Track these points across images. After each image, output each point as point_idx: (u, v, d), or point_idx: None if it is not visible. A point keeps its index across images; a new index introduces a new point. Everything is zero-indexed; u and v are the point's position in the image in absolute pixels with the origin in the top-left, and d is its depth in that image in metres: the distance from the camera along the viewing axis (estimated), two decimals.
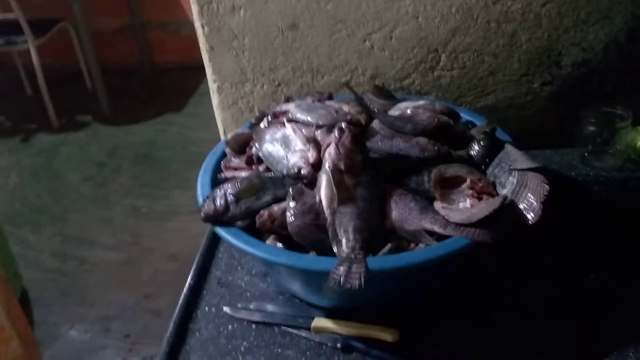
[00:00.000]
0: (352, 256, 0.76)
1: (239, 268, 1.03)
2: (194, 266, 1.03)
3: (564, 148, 1.22)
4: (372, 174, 0.85)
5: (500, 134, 0.98)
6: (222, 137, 1.35)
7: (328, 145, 0.85)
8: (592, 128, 1.15)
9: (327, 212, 0.81)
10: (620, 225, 1.05)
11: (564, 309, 0.89)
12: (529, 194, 0.82)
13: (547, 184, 0.83)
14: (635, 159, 1.17)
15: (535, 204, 0.81)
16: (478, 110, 1.22)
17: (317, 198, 0.83)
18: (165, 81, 4.05)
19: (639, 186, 1.12)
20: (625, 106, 1.13)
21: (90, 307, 2.27)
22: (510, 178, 0.87)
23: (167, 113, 3.64)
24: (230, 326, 0.92)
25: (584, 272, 0.95)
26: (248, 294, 0.98)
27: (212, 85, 1.28)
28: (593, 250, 0.99)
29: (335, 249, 0.78)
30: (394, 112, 1.02)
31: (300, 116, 0.96)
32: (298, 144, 0.90)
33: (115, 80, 3.85)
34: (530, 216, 0.80)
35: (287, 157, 0.89)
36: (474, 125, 1.03)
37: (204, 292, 0.99)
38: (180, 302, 0.96)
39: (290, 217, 0.82)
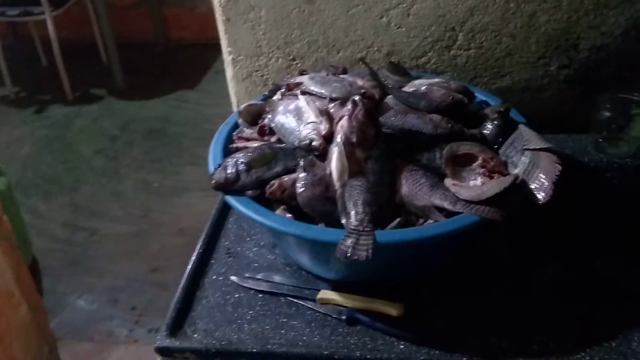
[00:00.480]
0: (361, 229, 0.76)
1: (248, 239, 1.04)
2: (202, 235, 1.03)
3: (578, 133, 1.21)
4: (383, 148, 0.85)
5: (514, 115, 0.98)
6: (235, 109, 1.35)
7: (341, 118, 0.85)
8: (607, 114, 1.14)
9: (337, 184, 0.81)
10: (632, 212, 1.04)
11: (568, 293, 0.89)
12: (541, 174, 0.82)
13: (559, 164, 0.82)
14: None
15: (546, 183, 0.81)
16: (493, 91, 1.21)
17: (328, 170, 0.83)
18: (180, 57, 4.05)
19: None
20: None
21: (99, 278, 2.29)
22: (523, 158, 0.86)
23: (181, 89, 3.64)
24: (237, 295, 0.92)
25: (592, 258, 0.94)
26: (256, 264, 0.98)
27: (227, 58, 1.28)
28: (602, 236, 0.98)
29: (343, 221, 0.79)
30: (409, 88, 1.02)
31: (314, 88, 0.96)
32: (311, 116, 0.90)
33: (131, 54, 3.86)
34: (541, 196, 0.80)
35: (299, 129, 0.89)
36: (488, 105, 1.03)
37: (212, 261, 1.00)
38: (188, 269, 0.97)
39: (300, 188, 0.82)
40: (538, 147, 0.86)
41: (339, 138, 0.83)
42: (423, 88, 1.00)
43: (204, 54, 3.86)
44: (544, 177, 0.81)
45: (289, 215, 0.84)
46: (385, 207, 0.81)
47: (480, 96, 1.06)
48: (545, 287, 0.90)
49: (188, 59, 3.99)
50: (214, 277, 0.96)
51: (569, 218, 0.99)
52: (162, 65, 3.98)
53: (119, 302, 2.18)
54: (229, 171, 0.86)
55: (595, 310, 0.85)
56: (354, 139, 0.83)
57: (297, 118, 0.91)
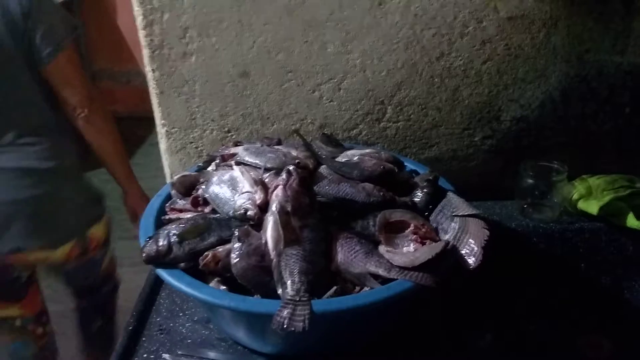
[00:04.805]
0: (297, 298, 0.75)
1: (181, 314, 1.00)
2: (132, 312, 0.99)
3: (505, 200, 1.26)
4: (318, 217, 0.85)
5: (442, 183, 1.01)
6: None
7: (276, 187, 0.86)
8: (530, 181, 1.19)
9: (272, 253, 0.80)
10: (558, 275, 1.08)
11: (502, 357, 0.90)
12: (470, 239, 0.84)
13: (487, 229, 0.85)
14: (572, 211, 1.22)
15: (476, 248, 0.83)
16: (422, 161, 1.26)
17: (263, 239, 0.82)
18: None
19: (575, 237, 1.17)
20: (561, 160, 1.19)
21: None
22: (452, 224, 0.89)
23: None
24: None
25: (523, 321, 0.96)
26: (189, 340, 0.95)
27: (161, 130, 1.27)
28: (532, 300, 1.01)
29: (279, 291, 0.78)
30: (341, 158, 1.04)
31: (249, 159, 0.96)
32: (245, 185, 0.90)
33: None
34: (471, 260, 0.82)
35: (234, 199, 0.88)
36: (417, 173, 1.06)
37: (144, 338, 0.95)
38: (117, 348, 0.92)
39: (234, 258, 0.81)
40: (466, 213, 0.89)
41: (274, 207, 0.83)
42: (355, 158, 1.03)
43: (138, 127, 3.81)
44: (473, 242, 0.84)
45: (223, 287, 0.83)
46: (321, 275, 0.81)
47: (409, 165, 1.10)
48: (480, 352, 0.91)
49: (122, 132, 3.90)
50: (145, 355, 0.92)
51: (499, 283, 1.01)
52: None
53: None
54: (160, 243, 0.84)
55: None
56: (289, 208, 0.83)
57: (232, 188, 0.91)
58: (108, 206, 3.07)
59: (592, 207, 1.18)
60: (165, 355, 0.91)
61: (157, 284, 1.05)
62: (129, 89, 3.99)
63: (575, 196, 1.21)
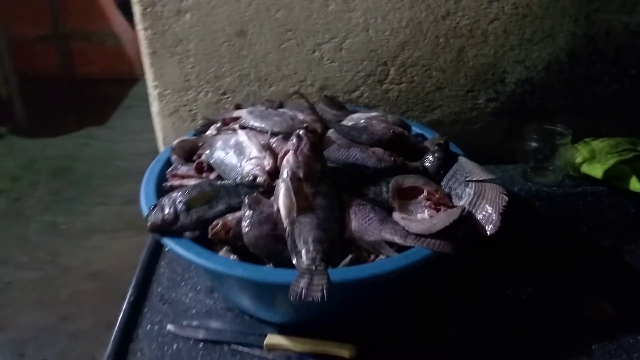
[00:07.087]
0: (313, 268, 0.72)
1: (183, 284, 0.97)
2: (133, 282, 0.96)
3: (507, 164, 1.24)
4: (330, 183, 0.82)
5: (452, 147, 0.99)
6: (162, 146, 1.28)
7: (285, 153, 0.82)
8: (533, 144, 1.18)
9: (285, 221, 0.77)
10: (560, 238, 1.07)
11: (506, 323, 0.89)
12: (487, 205, 0.82)
13: (505, 194, 0.83)
14: (575, 175, 1.21)
15: (493, 214, 0.81)
16: (424, 124, 1.22)
17: (275, 207, 0.79)
18: (87, 93, 3.87)
19: (578, 201, 1.16)
20: (565, 124, 1.17)
21: (2, 330, 2.10)
22: (467, 189, 0.86)
23: (89, 126, 3.47)
24: (175, 345, 0.85)
25: (525, 286, 0.95)
26: (193, 310, 0.92)
27: (153, 92, 1.22)
28: (533, 264, 1.00)
29: (294, 261, 0.75)
30: (347, 122, 1.00)
31: (254, 123, 0.92)
32: (253, 151, 0.86)
33: (34, 90, 3.64)
34: (488, 227, 0.80)
35: (241, 165, 0.85)
36: (424, 138, 1.03)
37: (145, 309, 0.92)
38: (119, 320, 0.89)
39: (246, 227, 0.78)
40: (482, 178, 0.87)
41: (285, 173, 0.80)
42: (362, 122, 0.99)
43: (113, 90, 3.71)
44: (490, 208, 0.81)
45: (233, 256, 0.79)
46: (336, 243, 0.78)
47: (415, 129, 1.07)
48: (485, 319, 0.90)
49: (96, 94, 3.82)
50: (149, 327, 0.89)
51: (499, 247, 0.99)
52: (67, 101, 3.79)
53: (26, 355, 1.99)
54: (166, 211, 0.80)
55: (535, 337, 0.86)
56: (301, 174, 0.80)
57: (238, 153, 0.87)
58: (83, 170, 3.04)
59: (596, 170, 1.17)
60: (170, 327, 0.88)
61: (155, 252, 1.02)
62: (103, 50, 3.86)
63: (578, 159, 1.20)
